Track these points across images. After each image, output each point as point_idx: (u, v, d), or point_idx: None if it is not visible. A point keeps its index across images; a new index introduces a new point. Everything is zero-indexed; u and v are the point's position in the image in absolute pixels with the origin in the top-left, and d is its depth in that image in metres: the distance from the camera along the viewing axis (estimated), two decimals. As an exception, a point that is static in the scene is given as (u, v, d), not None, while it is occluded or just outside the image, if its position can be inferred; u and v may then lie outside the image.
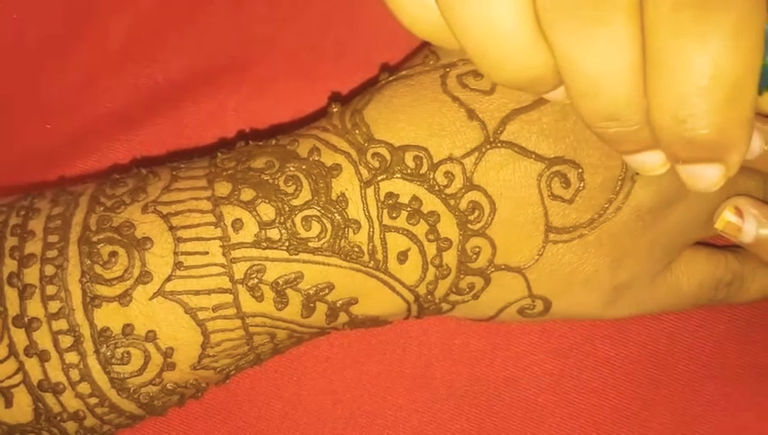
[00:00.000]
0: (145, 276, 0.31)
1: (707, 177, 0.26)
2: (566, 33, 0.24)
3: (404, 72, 0.33)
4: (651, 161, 0.28)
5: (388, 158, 0.31)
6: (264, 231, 0.31)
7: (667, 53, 0.23)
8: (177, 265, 0.31)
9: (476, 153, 0.31)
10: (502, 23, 0.24)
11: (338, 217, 0.31)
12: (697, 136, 0.24)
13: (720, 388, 0.39)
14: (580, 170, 0.32)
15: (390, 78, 0.33)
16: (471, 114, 0.32)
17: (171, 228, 0.31)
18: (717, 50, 0.23)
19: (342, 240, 0.31)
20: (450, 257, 0.32)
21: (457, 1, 0.24)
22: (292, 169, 0.32)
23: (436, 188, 0.31)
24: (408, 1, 0.26)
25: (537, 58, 0.25)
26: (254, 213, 0.31)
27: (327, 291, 0.32)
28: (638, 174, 0.32)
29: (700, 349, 0.39)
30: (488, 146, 0.31)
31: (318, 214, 0.31)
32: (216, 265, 0.31)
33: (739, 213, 0.34)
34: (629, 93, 0.25)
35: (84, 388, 0.31)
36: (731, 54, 0.23)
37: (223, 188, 0.32)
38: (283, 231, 0.31)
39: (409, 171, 0.31)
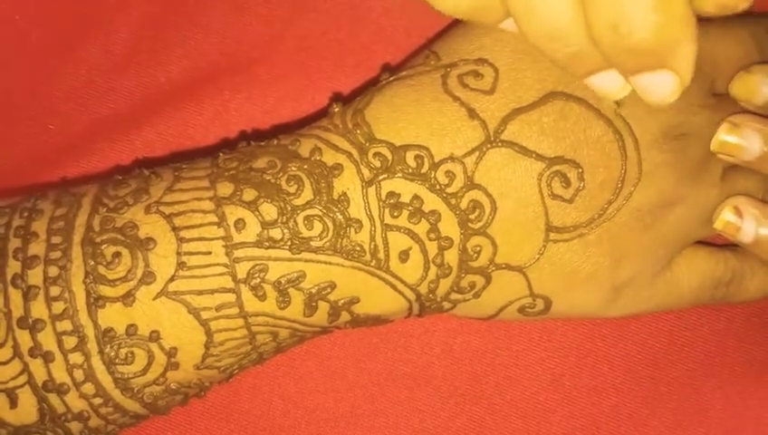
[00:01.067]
0: (148, 277, 0.31)
1: (661, 87, 0.27)
2: None
3: (405, 73, 0.33)
4: (609, 83, 0.29)
5: (390, 157, 0.32)
6: (266, 231, 0.31)
7: None
8: (180, 265, 0.31)
9: (477, 152, 0.32)
10: None
11: (339, 217, 0.31)
12: (636, 41, 0.25)
13: (719, 386, 0.39)
14: (581, 170, 0.32)
15: (391, 78, 0.33)
16: (472, 114, 0.32)
17: (174, 229, 0.31)
18: None
19: (344, 239, 0.31)
20: (451, 256, 0.32)
21: None
22: (293, 168, 0.32)
23: (438, 187, 0.32)
24: None
25: None
26: (257, 213, 0.31)
27: (329, 290, 0.32)
28: (639, 178, 0.32)
29: (699, 347, 0.39)
30: (489, 145, 0.32)
31: (320, 213, 0.31)
32: (218, 264, 0.31)
33: (738, 213, 0.35)
34: (566, 10, 0.25)
35: (89, 388, 0.31)
36: None
37: (225, 189, 0.32)
38: (285, 231, 0.31)
39: (410, 171, 0.31)
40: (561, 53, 0.27)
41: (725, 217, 0.35)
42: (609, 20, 0.25)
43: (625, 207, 0.32)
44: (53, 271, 0.31)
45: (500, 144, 0.32)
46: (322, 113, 0.35)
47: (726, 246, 0.37)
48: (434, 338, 0.39)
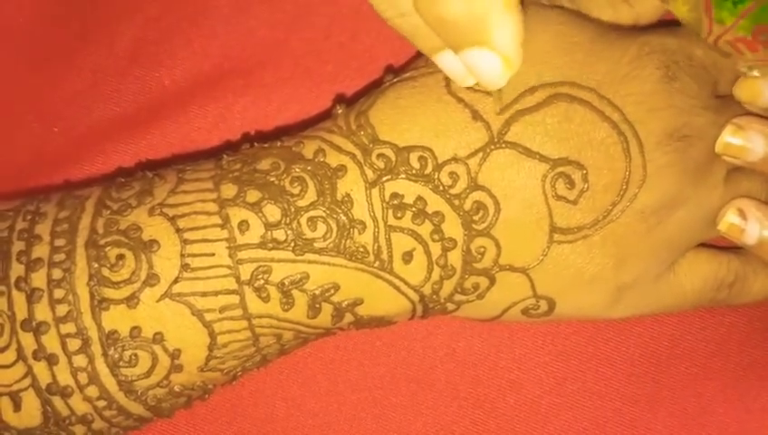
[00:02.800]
0: (152, 279, 0.31)
1: (487, 67, 0.27)
2: None
3: (408, 74, 0.33)
4: (451, 64, 0.30)
5: (393, 158, 0.32)
6: (270, 232, 0.31)
7: None
8: (184, 266, 0.31)
9: (481, 154, 0.32)
10: None
11: (343, 218, 0.31)
12: (446, 12, 0.25)
13: (722, 389, 0.39)
14: (585, 171, 0.32)
15: (395, 79, 0.33)
16: (475, 115, 0.32)
17: (178, 230, 0.31)
18: None
19: (348, 240, 0.31)
20: (455, 257, 0.32)
21: None
22: (297, 170, 0.32)
23: (441, 188, 0.32)
24: None
25: None
26: (260, 214, 0.31)
27: (332, 291, 0.32)
28: (644, 180, 0.32)
29: (702, 351, 0.39)
30: (493, 146, 0.32)
31: (323, 214, 0.31)
32: (222, 266, 0.31)
33: (742, 215, 0.35)
34: None
35: (92, 391, 0.31)
36: None
37: (229, 190, 0.32)
38: (288, 232, 0.31)
39: (414, 172, 0.31)
40: (405, 29, 0.28)
41: (729, 220, 0.35)
42: None
43: (629, 209, 0.32)
44: (57, 274, 0.31)
45: (504, 145, 0.32)
46: (326, 116, 0.35)
47: (730, 248, 0.37)
48: (436, 341, 0.39)
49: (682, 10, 0.30)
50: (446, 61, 0.30)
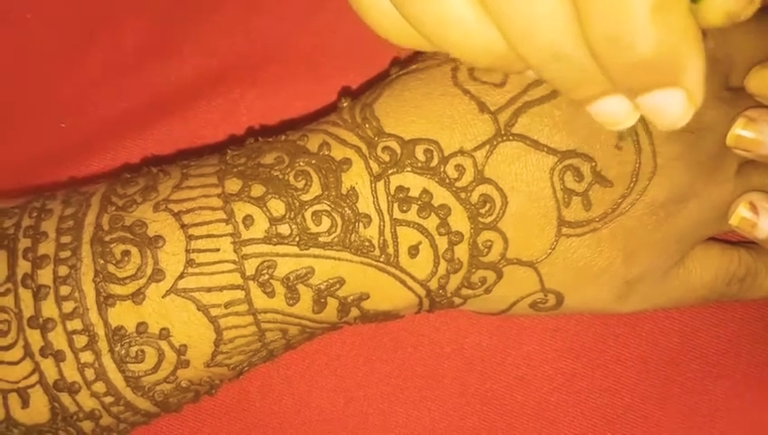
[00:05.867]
0: (157, 274, 0.31)
1: (670, 107, 0.25)
2: None
3: (414, 66, 0.33)
4: (616, 108, 0.27)
5: (399, 151, 0.31)
6: (274, 227, 0.31)
7: None
8: (189, 262, 0.31)
9: (488, 146, 0.31)
10: (450, 10, 0.25)
11: (348, 212, 0.31)
12: (636, 55, 0.24)
13: (732, 387, 0.39)
14: (593, 164, 0.32)
15: (401, 72, 0.33)
16: (482, 107, 0.31)
17: (183, 226, 0.31)
18: None
19: (353, 234, 0.31)
20: (462, 251, 0.32)
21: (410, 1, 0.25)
22: (301, 164, 0.32)
23: (447, 181, 0.31)
24: (370, 6, 0.26)
25: (488, 33, 0.25)
26: (265, 209, 0.31)
27: (338, 286, 0.32)
28: (654, 173, 0.32)
29: (713, 348, 0.39)
30: (499, 139, 0.31)
31: (328, 208, 0.31)
32: (227, 261, 0.31)
33: (754, 209, 0.34)
34: (564, 24, 0.24)
35: (100, 387, 0.31)
36: None
37: (233, 185, 0.32)
38: (293, 226, 0.31)
39: (420, 165, 0.31)
40: (565, 75, 0.26)
41: (741, 213, 0.34)
42: (606, 31, 0.23)
43: (639, 202, 0.32)
44: (63, 270, 0.31)
45: (511, 138, 0.31)
46: (334, 110, 0.35)
47: (741, 242, 0.36)
48: (444, 338, 0.39)
49: None
50: (611, 105, 0.27)
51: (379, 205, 0.31)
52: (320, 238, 0.31)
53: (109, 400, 0.32)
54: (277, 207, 0.31)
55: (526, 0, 0.24)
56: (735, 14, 0.24)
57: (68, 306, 0.31)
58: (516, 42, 0.25)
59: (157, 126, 0.40)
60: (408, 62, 0.34)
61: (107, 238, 0.31)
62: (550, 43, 0.25)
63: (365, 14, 0.27)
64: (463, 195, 0.31)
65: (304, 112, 0.39)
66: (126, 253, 0.31)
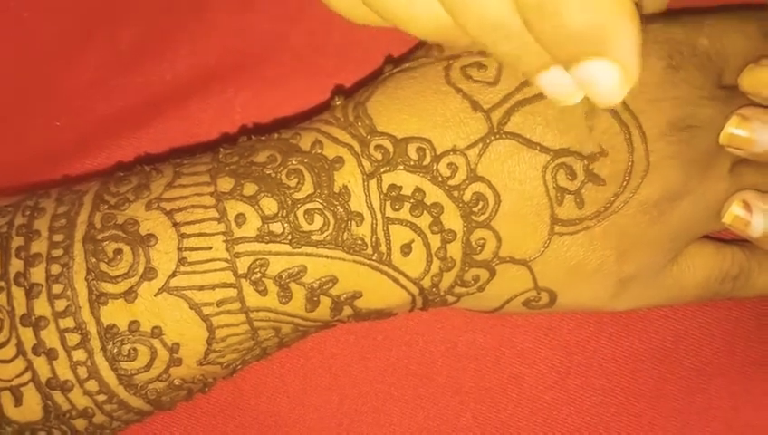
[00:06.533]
0: (149, 273, 0.31)
1: (604, 80, 0.25)
2: None
3: (407, 65, 0.33)
4: (559, 81, 0.27)
5: (391, 150, 0.31)
6: (266, 225, 0.31)
7: None
8: (182, 260, 0.31)
9: (480, 144, 0.31)
10: None
11: (340, 210, 0.31)
12: (564, 24, 0.24)
13: (727, 385, 0.39)
14: (586, 162, 0.31)
15: (394, 70, 0.33)
16: (475, 105, 0.31)
17: (175, 224, 0.31)
18: None
19: (345, 233, 0.31)
20: (455, 249, 0.32)
21: None
22: (294, 162, 0.32)
23: (440, 179, 0.31)
24: None
25: (432, 5, 0.26)
26: (257, 207, 0.31)
27: (331, 284, 0.32)
28: (646, 171, 0.32)
29: (707, 347, 0.39)
30: (492, 137, 0.31)
31: (320, 207, 0.31)
32: (219, 259, 0.31)
33: (747, 207, 0.34)
34: None
35: (92, 385, 0.31)
36: None
37: (225, 183, 0.32)
38: (285, 225, 0.31)
39: (412, 163, 0.31)
40: (505, 47, 0.26)
41: (734, 212, 0.34)
42: (537, 2, 0.24)
43: (632, 200, 0.32)
44: (56, 269, 0.31)
45: (504, 136, 0.31)
46: (326, 108, 0.35)
47: (734, 240, 0.36)
48: (438, 336, 0.39)
49: None
50: (553, 78, 0.27)
51: (371, 203, 0.31)
52: (312, 237, 0.31)
53: (101, 398, 0.31)
54: (269, 205, 0.31)
55: None
56: None
57: (60, 304, 0.31)
58: (456, 12, 0.25)
59: (151, 125, 0.40)
60: (401, 60, 0.34)
61: (99, 237, 0.31)
62: (486, 12, 0.25)
63: None
64: (456, 193, 0.31)
65: (299, 110, 0.39)
66: (118, 251, 0.31)
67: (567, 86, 0.27)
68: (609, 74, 0.25)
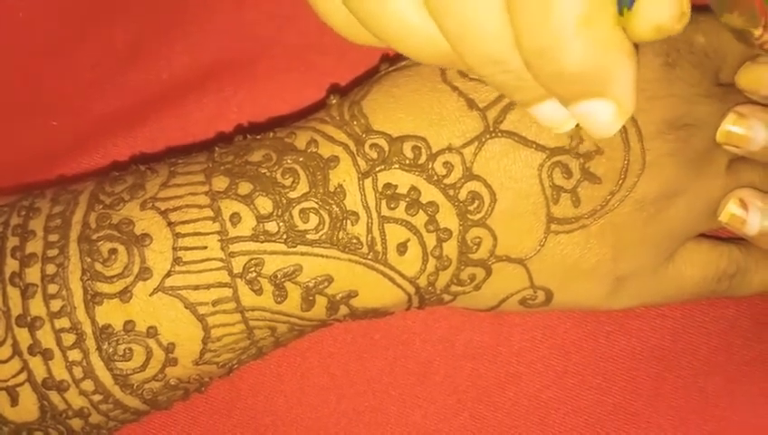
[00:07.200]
0: (144, 273, 0.31)
1: (600, 117, 0.26)
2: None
3: (403, 63, 0.33)
4: (553, 113, 0.28)
5: (387, 148, 0.31)
6: (261, 224, 0.31)
7: None
8: (176, 260, 0.31)
9: (476, 143, 0.31)
10: (392, 6, 0.26)
11: (336, 209, 0.31)
12: (563, 67, 0.24)
13: (725, 384, 0.39)
14: (582, 161, 0.31)
15: (390, 68, 0.33)
16: (471, 104, 0.31)
17: (170, 224, 0.31)
18: None
19: (341, 232, 0.31)
20: (450, 248, 0.32)
21: None
22: (289, 161, 0.32)
23: (435, 178, 0.31)
24: (323, 2, 0.27)
25: (430, 31, 0.26)
26: (252, 206, 0.31)
27: (326, 284, 0.31)
28: (642, 169, 0.32)
29: (705, 345, 0.39)
30: (488, 135, 0.31)
31: (316, 206, 0.31)
32: (214, 259, 0.31)
33: (744, 205, 0.34)
34: (500, 30, 0.24)
35: (88, 385, 0.31)
36: None
37: (220, 183, 0.32)
38: (280, 224, 0.31)
39: (408, 162, 0.31)
40: (502, 79, 0.26)
41: (731, 210, 0.34)
42: (535, 44, 0.24)
43: (628, 199, 0.32)
44: (51, 269, 0.31)
45: (499, 134, 0.31)
46: (322, 107, 0.34)
47: (731, 239, 0.36)
48: (435, 335, 0.39)
49: (737, 22, 0.29)
50: (547, 110, 0.28)
51: (366, 202, 0.31)
52: (307, 236, 0.31)
53: (97, 398, 0.31)
54: (264, 204, 0.31)
55: (463, 4, 0.24)
56: (665, 29, 0.24)
57: (56, 305, 0.31)
58: (455, 42, 0.26)
59: (147, 124, 0.40)
60: (397, 58, 0.34)
61: (94, 237, 0.31)
62: (486, 47, 0.25)
63: (318, 9, 0.27)
64: (451, 192, 0.31)
65: (295, 109, 0.39)
66: (113, 251, 0.31)
67: (561, 117, 0.28)
68: (607, 111, 0.26)
